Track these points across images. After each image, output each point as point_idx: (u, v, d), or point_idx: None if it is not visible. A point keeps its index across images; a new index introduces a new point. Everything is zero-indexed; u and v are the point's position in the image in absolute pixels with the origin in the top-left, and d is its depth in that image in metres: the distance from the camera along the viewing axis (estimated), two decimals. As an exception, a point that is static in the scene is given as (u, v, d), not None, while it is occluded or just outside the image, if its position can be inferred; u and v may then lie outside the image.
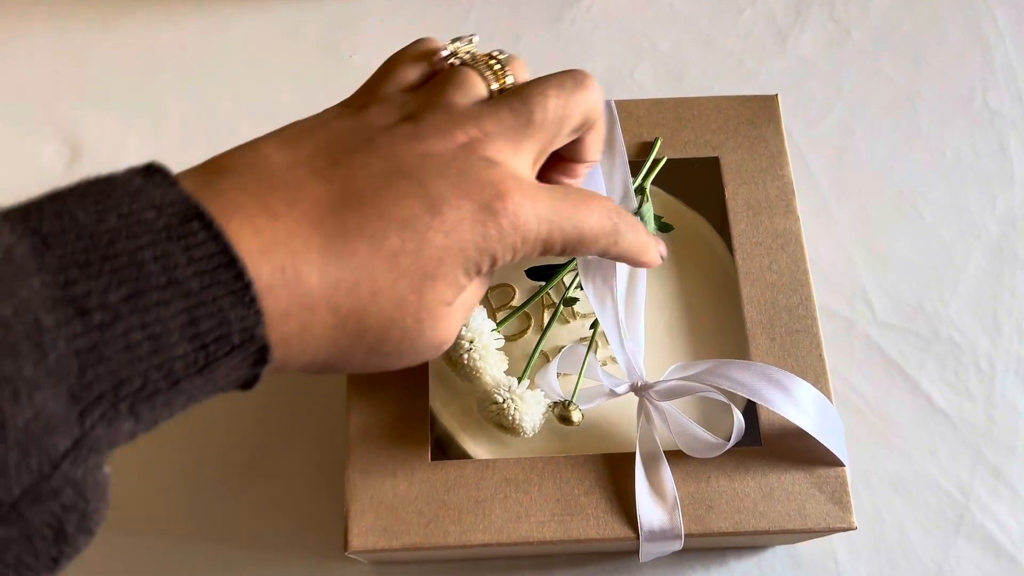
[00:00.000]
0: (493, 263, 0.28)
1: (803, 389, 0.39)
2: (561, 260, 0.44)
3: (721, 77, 0.60)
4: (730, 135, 0.46)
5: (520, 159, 0.30)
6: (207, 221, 0.23)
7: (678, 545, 0.40)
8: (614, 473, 0.40)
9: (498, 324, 0.39)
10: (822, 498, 0.40)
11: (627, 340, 0.40)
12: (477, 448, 0.41)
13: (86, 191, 0.23)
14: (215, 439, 0.50)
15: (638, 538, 0.39)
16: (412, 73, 0.32)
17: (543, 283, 0.44)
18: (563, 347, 0.42)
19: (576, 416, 0.39)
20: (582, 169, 0.36)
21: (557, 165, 0.35)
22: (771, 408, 0.38)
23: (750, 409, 0.42)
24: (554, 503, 0.39)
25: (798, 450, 0.40)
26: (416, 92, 0.31)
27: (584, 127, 0.33)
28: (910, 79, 0.60)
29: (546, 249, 0.30)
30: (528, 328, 0.44)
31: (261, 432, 0.50)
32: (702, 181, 0.46)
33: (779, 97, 0.48)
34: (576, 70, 0.32)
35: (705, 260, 0.46)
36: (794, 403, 0.38)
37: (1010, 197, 0.57)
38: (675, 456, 0.40)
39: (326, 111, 0.30)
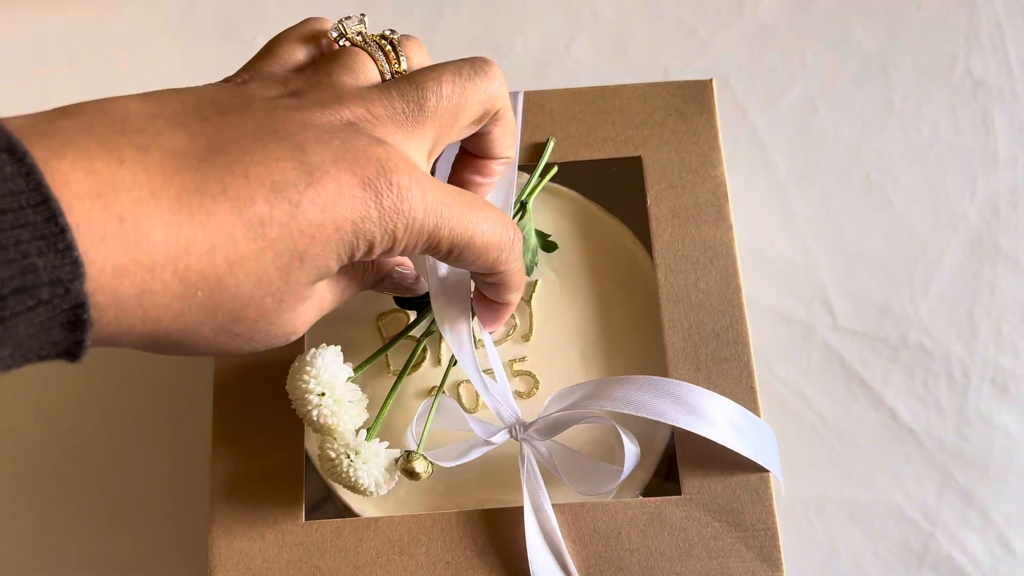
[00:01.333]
0: (370, 249, 0.26)
1: (705, 399, 0.34)
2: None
3: (669, 50, 0.54)
4: (655, 130, 0.41)
5: (411, 146, 0.28)
6: (18, 154, 0.19)
7: (583, 611, 0.35)
8: (510, 529, 0.35)
9: (356, 370, 0.34)
10: (748, 555, 0.35)
11: (492, 380, 0.35)
12: (362, 503, 0.37)
13: None
14: (61, 481, 0.46)
15: (536, 605, 0.34)
16: (299, 53, 0.30)
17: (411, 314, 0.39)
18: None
19: (421, 467, 0.34)
20: (494, 166, 0.33)
21: (467, 162, 0.33)
22: (666, 421, 0.34)
23: (669, 454, 0.37)
24: (443, 567, 0.35)
25: (722, 499, 0.36)
26: (302, 71, 0.29)
27: (487, 118, 0.30)
28: (883, 45, 0.53)
29: (430, 246, 0.28)
30: (424, 360, 0.39)
31: (115, 478, 0.46)
32: (623, 183, 0.41)
33: (713, 82, 0.41)
34: (478, 57, 0.30)
35: (626, 275, 0.40)
36: (693, 414, 0.34)
37: (993, 180, 0.50)
38: (581, 510, 0.35)
39: (202, 85, 0.27)
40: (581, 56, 0.54)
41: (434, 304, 0.34)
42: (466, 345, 0.34)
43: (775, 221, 0.50)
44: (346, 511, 0.37)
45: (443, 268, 0.35)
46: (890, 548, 0.44)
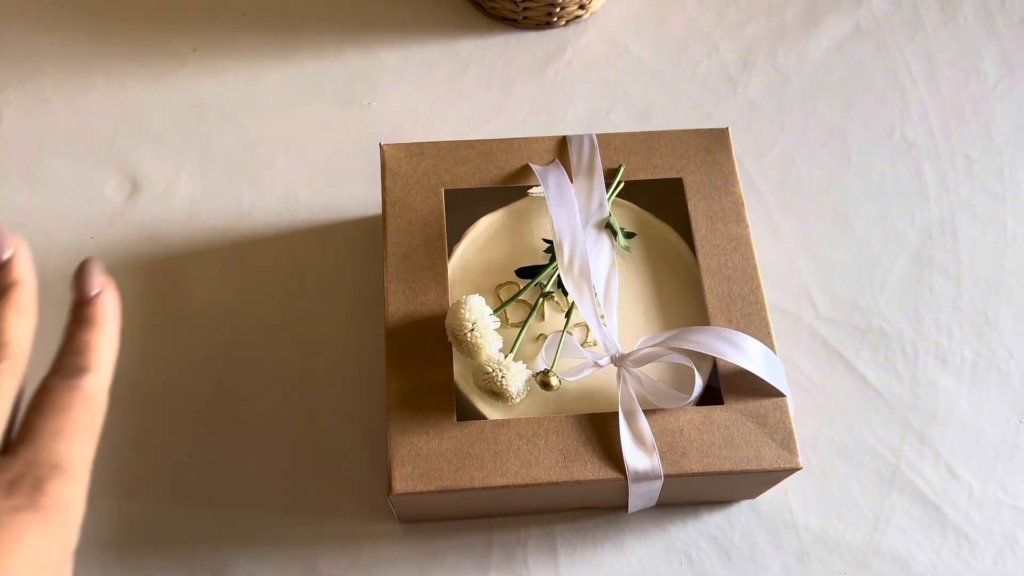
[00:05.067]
0: None
1: (748, 342, 0.49)
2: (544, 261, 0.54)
3: (683, 118, 0.71)
4: (691, 160, 0.57)
5: None
6: None
7: (658, 484, 0.49)
8: (605, 428, 0.49)
9: (495, 311, 0.49)
10: (773, 445, 0.49)
11: (605, 323, 0.50)
12: (492, 412, 0.51)
13: None
14: (260, 415, 0.58)
15: (626, 478, 0.48)
16: None
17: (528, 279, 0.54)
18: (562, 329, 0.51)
19: (554, 381, 0.48)
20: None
21: None
22: (724, 359, 0.48)
23: (713, 377, 0.52)
24: (558, 453, 0.48)
25: (753, 409, 0.50)
26: None
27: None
28: (841, 117, 0.72)
29: None
30: (532, 314, 0.54)
31: (304, 408, 0.59)
32: (669, 197, 0.57)
33: (729, 130, 0.58)
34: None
35: (673, 260, 0.56)
36: (741, 353, 0.48)
37: (926, 212, 0.68)
38: (652, 415, 0.49)
39: None
40: (618, 121, 0.71)
41: (564, 275, 0.49)
42: (587, 298, 0.49)
43: (768, 241, 0.66)
44: (482, 418, 0.50)
45: (567, 254, 0.50)
46: (867, 475, 0.59)
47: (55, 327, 0.60)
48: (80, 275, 0.33)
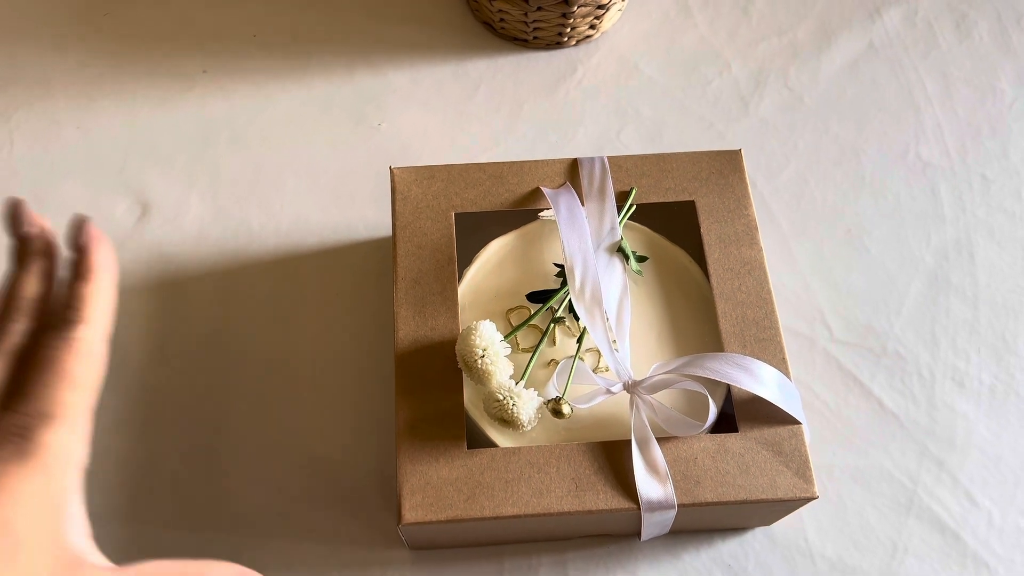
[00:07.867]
0: None
1: (763, 369, 0.48)
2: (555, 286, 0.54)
3: (694, 138, 0.70)
4: (703, 183, 0.56)
5: None
6: None
7: (672, 514, 0.48)
8: (618, 456, 0.48)
9: (505, 337, 0.48)
10: (788, 473, 0.48)
11: (617, 349, 0.49)
12: (503, 439, 0.50)
13: None
14: (269, 440, 0.58)
15: (639, 508, 0.47)
16: None
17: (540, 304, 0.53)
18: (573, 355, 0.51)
19: (566, 409, 0.48)
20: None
21: None
22: (739, 386, 0.47)
23: (728, 404, 0.51)
24: (569, 481, 0.48)
25: (768, 436, 0.49)
26: None
27: None
28: (854, 137, 0.71)
29: None
30: (543, 341, 0.53)
31: (314, 433, 0.58)
32: (681, 220, 0.56)
33: (742, 152, 0.58)
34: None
35: (686, 284, 0.55)
36: (756, 380, 0.47)
37: (942, 233, 0.67)
38: (666, 442, 0.49)
39: None
40: (628, 141, 0.70)
41: (576, 300, 0.49)
42: (599, 324, 0.48)
43: (782, 263, 0.65)
44: (493, 445, 0.50)
45: (579, 278, 0.49)
46: (884, 502, 0.58)
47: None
48: (74, 231, 0.35)
